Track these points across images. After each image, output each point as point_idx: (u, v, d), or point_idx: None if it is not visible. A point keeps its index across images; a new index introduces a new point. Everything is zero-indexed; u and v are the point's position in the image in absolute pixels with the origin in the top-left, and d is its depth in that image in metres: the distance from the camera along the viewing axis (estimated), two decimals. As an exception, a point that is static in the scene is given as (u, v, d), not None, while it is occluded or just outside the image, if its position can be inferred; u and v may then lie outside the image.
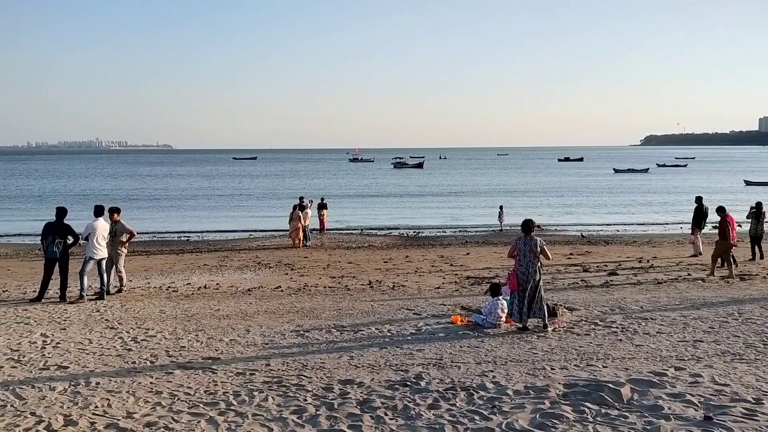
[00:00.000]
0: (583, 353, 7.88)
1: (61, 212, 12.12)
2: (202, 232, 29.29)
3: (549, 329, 9.11)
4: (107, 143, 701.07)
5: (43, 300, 11.86)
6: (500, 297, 9.69)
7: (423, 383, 6.70)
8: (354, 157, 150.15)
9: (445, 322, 9.78)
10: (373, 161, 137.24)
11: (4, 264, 18.44)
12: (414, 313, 10.48)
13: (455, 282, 14.11)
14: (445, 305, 11.17)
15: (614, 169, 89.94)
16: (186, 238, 27.04)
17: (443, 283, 13.91)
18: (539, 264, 9.33)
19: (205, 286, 13.77)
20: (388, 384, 6.70)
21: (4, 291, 13.21)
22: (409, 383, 6.70)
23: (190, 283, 14.24)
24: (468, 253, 19.75)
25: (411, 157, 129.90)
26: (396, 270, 16.27)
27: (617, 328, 9.23)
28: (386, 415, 5.83)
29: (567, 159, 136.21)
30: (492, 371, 7.13)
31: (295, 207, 22.81)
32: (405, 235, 27.62)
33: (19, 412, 5.99)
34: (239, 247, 23.06)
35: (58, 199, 41.63)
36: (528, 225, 9.46)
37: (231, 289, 13.37)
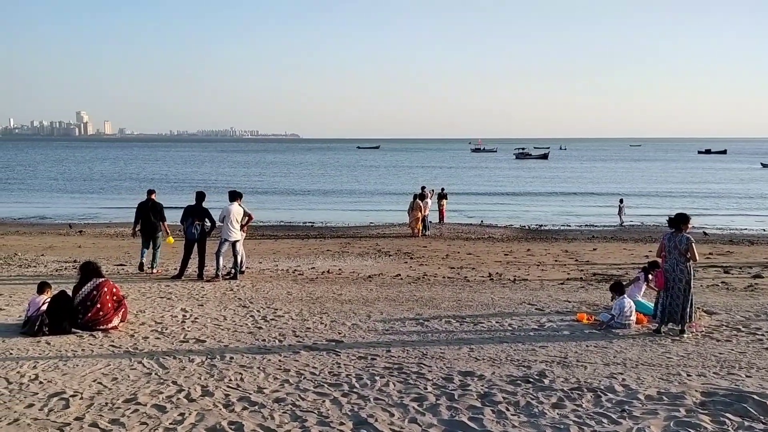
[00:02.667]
0: (723, 360, 7.31)
1: (200, 196, 12.98)
2: (324, 220, 30.09)
3: (686, 334, 8.52)
4: (240, 132, 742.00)
5: (182, 277, 12.79)
6: (625, 296, 9.20)
7: (546, 381, 6.50)
8: (476, 147, 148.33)
9: (570, 319, 9.43)
10: (495, 151, 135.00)
11: (150, 243, 20.05)
12: (536, 309, 10.20)
13: (581, 278, 13.56)
14: (569, 302, 10.77)
15: (762, 164, 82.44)
16: (310, 224, 28.08)
17: (567, 279, 13.41)
18: (688, 264, 8.68)
19: (328, 271, 14.20)
20: (509, 379, 6.57)
21: (149, 268, 14.35)
22: (531, 380, 6.54)
23: (314, 267, 14.75)
24: (595, 249, 18.91)
25: (535, 148, 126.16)
26: (517, 263, 15.92)
27: (763, 335, 8.47)
28: (508, 410, 5.71)
29: (708, 151, 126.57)
30: (621, 373, 6.78)
31: (415, 196, 22.93)
32: (527, 227, 26.97)
33: (162, 381, 6.50)
34: (360, 234, 23.58)
35: (191, 186, 44.54)
36: (674, 220, 8.86)
37: (352, 275, 13.69)
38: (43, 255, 16.81)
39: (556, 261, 16.34)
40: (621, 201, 28.46)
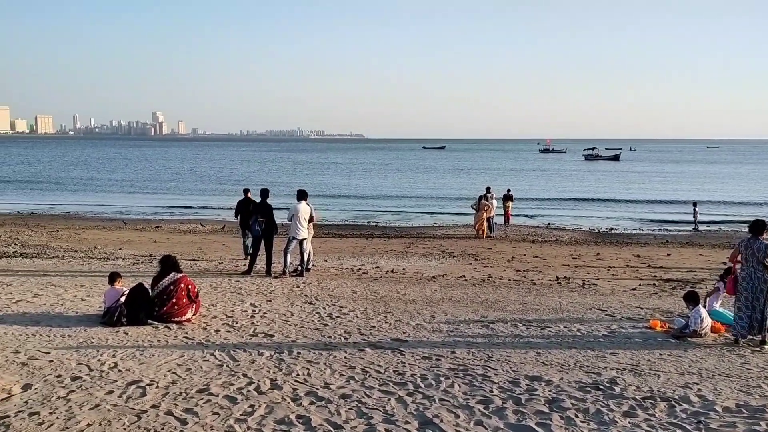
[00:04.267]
0: (809, 375, 6.92)
1: (265, 193, 13.34)
2: (388, 221, 30.17)
3: (767, 345, 8.10)
4: (307, 132, 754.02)
5: (251, 274, 13.12)
6: (700, 306, 8.81)
7: (617, 389, 6.32)
8: (545, 147, 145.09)
9: (642, 326, 9.12)
10: (565, 152, 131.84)
11: (220, 239, 20.71)
12: (606, 314, 9.93)
13: (654, 284, 13.09)
14: (642, 308, 10.42)
15: None
16: (375, 224, 28.25)
17: (640, 285, 12.97)
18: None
19: (392, 271, 14.26)
20: (578, 385, 6.42)
21: (220, 263, 14.84)
22: (601, 387, 6.37)
23: (378, 267, 14.84)
24: (669, 254, 18.22)
25: (606, 149, 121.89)
26: (586, 267, 15.52)
27: None
28: (577, 417, 5.59)
29: None
30: (697, 384, 6.52)
31: (480, 197, 22.71)
32: (596, 230, 26.25)
33: (233, 372, 6.69)
34: (424, 234, 23.54)
35: (255, 184, 45.27)
36: (754, 226, 8.42)
37: (416, 275, 13.70)
38: (120, 249, 17.61)
39: (627, 266, 15.85)
40: (695, 205, 27.76)
